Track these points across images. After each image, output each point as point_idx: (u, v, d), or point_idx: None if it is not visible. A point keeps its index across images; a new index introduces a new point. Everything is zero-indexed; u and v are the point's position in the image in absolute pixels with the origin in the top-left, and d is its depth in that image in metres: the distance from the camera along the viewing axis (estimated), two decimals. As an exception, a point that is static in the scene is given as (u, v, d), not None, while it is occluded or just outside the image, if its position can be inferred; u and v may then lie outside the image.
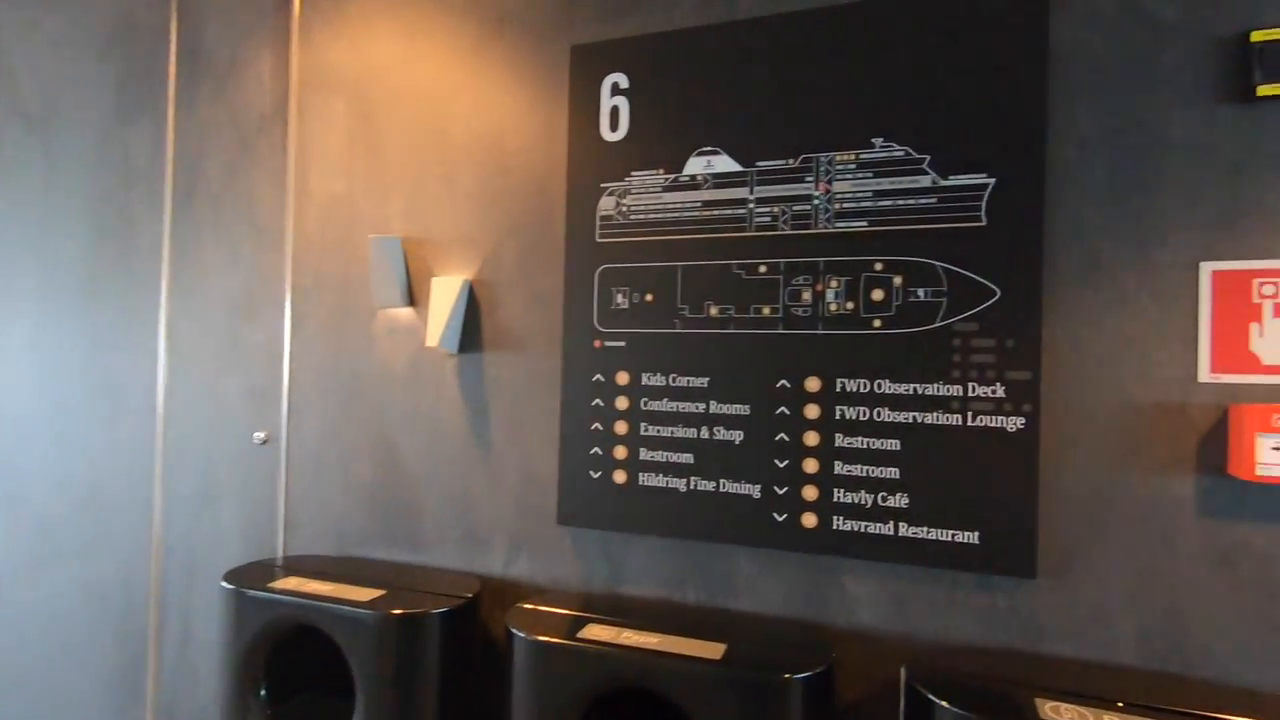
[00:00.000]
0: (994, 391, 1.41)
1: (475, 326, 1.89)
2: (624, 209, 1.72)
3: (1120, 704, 1.20)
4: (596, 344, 1.73)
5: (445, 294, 1.85)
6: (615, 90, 1.73)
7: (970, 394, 1.43)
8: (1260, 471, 1.22)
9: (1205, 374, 1.32)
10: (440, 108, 1.95)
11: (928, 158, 1.47)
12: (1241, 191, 1.32)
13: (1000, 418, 1.41)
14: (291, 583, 1.74)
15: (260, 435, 2.12)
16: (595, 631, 1.47)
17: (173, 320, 2.27)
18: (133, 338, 2.32)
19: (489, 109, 1.89)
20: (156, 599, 2.26)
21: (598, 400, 1.73)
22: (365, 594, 1.67)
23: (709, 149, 1.64)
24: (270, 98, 2.16)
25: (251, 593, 1.71)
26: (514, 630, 1.49)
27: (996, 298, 1.42)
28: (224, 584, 1.74)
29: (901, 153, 1.49)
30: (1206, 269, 1.33)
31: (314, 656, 1.77)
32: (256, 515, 2.13)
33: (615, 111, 1.73)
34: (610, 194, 1.73)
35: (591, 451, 1.73)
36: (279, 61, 2.15)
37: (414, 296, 1.96)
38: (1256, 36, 1.29)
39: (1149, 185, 1.37)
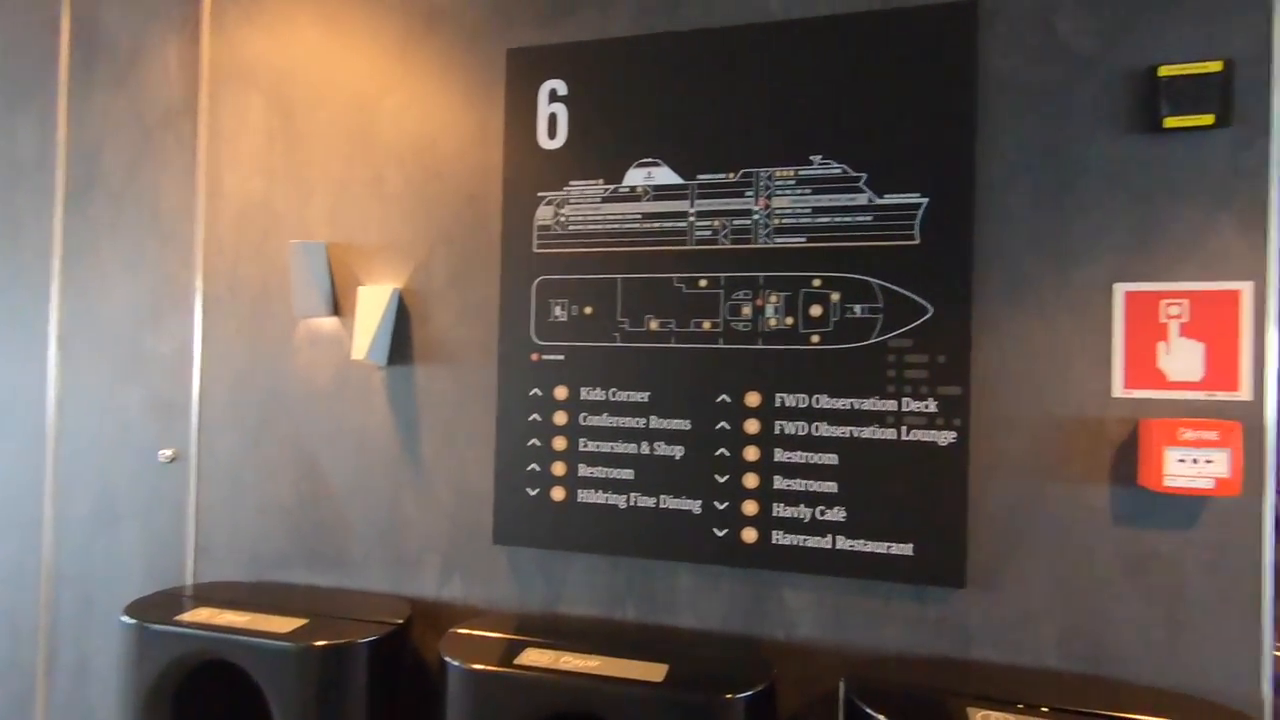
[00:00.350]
0: (927, 406, 1.45)
1: (405, 338, 1.81)
2: (562, 219, 1.67)
3: (1045, 709, 1.25)
4: (534, 357, 1.68)
5: (373, 303, 1.76)
6: (553, 97, 1.68)
7: (904, 409, 1.46)
8: (1168, 482, 1.30)
9: (1119, 389, 1.39)
10: (367, 106, 1.85)
11: (864, 176, 1.50)
12: (1150, 217, 1.39)
13: (932, 432, 1.44)
14: (202, 614, 1.62)
15: (167, 453, 1.96)
16: (534, 656, 1.43)
17: (65, 328, 2.07)
18: (18, 346, 2.11)
19: (420, 110, 1.81)
20: (46, 631, 2.07)
21: (535, 415, 1.68)
22: (284, 624, 1.57)
23: (649, 160, 1.62)
24: (178, 89, 2.00)
25: (156, 627, 1.57)
26: (448, 658, 1.43)
27: (929, 315, 1.45)
28: (124, 618, 1.60)
29: (839, 170, 1.51)
30: (1120, 289, 1.40)
31: (228, 694, 1.65)
32: (162, 539, 1.97)
33: (553, 119, 1.68)
34: (548, 203, 1.68)
35: (528, 468, 1.68)
36: (188, 50, 2.00)
37: (339, 306, 1.86)
38: (1164, 71, 1.36)
39: (1067, 208, 1.43)
